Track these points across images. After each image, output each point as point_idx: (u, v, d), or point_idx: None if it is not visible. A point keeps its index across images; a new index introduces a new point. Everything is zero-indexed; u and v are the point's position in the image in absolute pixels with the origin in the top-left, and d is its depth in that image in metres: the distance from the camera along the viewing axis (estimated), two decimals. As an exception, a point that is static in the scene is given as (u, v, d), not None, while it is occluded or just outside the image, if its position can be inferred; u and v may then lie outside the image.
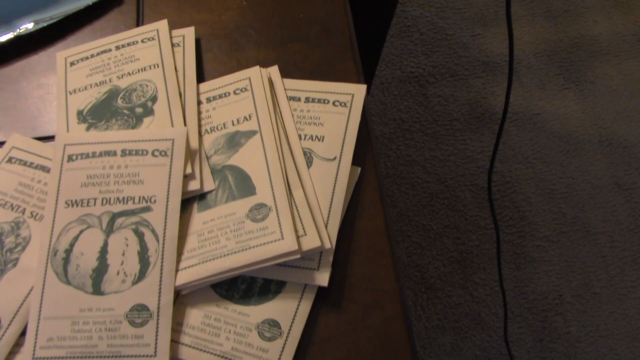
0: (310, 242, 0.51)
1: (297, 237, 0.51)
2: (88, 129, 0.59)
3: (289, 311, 0.51)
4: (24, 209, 0.55)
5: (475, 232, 1.64)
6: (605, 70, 1.88)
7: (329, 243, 0.52)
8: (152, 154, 0.55)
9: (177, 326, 0.50)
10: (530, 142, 1.77)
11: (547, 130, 1.79)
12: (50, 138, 0.60)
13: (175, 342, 0.50)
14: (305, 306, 0.51)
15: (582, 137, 1.78)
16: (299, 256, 0.50)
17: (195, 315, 0.51)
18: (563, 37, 1.94)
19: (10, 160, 0.57)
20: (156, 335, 0.49)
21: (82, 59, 0.63)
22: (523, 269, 1.61)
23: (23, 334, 0.50)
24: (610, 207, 1.68)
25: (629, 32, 1.95)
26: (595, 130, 1.79)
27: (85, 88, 0.61)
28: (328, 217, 0.54)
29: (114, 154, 0.55)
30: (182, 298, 0.52)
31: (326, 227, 0.53)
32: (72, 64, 0.63)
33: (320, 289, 0.52)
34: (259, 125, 0.57)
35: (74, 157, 0.55)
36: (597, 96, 1.84)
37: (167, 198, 0.53)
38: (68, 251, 0.52)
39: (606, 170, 1.73)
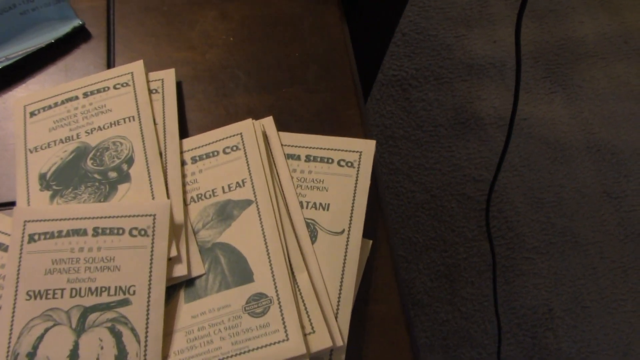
0: (320, 341, 0.43)
1: (304, 335, 0.44)
2: (52, 197, 0.50)
3: (296, 423, 0.43)
4: (-23, 299, 0.46)
5: (463, 244, 1.59)
6: (592, 73, 1.83)
7: (341, 340, 0.44)
8: (130, 233, 0.47)
9: None
10: (517, 148, 1.71)
11: (534, 137, 1.73)
12: (7, 205, 0.51)
13: None
14: (315, 416, 0.44)
15: (570, 144, 1.73)
16: (307, 360, 0.43)
17: None
18: (549, 38, 1.89)
19: (-41, 236, 0.49)
20: None
21: (44, 108, 0.54)
22: (512, 282, 1.56)
23: None
24: (599, 217, 1.64)
25: (615, 34, 1.90)
26: (583, 136, 1.74)
27: (49, 145, 0.53)
28: (338, 304, 0.46)
29: (84, 233, 0.47)
30: (169, 409, 0.44)
31: (336, 317, 0.46)
32: (32, 114, 0.54)
33: (331, 392, 0.45)
34: (254, 193, 0.49)
35: (36, 237, 0.47)
36: (585, 100, 1.79)
37: (149, 288, 0.45)
38: (31, 355, 0.44)
39: (595, 177, 1.69)
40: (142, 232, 0.47)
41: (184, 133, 0.55)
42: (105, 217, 0.47)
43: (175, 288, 0.47)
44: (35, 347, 0.44)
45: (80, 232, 0.47)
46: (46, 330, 0.44)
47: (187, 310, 0.46)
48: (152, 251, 0.46)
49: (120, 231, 0.47)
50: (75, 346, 0.44)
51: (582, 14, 1.93)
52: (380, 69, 1.44)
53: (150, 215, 0.47)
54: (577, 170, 1.69)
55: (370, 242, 0.50)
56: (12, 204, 0.51)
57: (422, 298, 1.53)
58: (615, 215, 1.65)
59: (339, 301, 0.46)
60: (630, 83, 1.83)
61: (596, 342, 1.51)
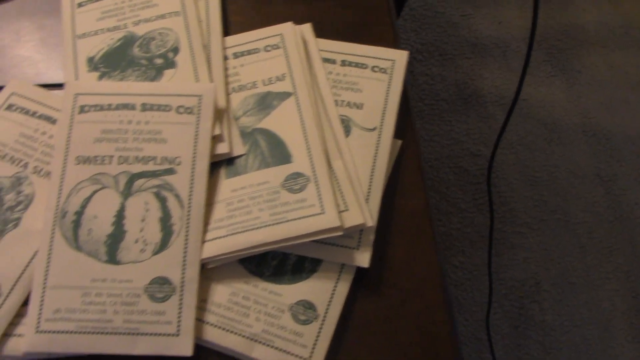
0: (353, 218, 0.46)
1: (339, 213, 0.46)
2: (100, 78, 0.52)
3: (325, 293, 0.46)
4: (27, 163, 0.49)
5: (456, 214, 1.62)
6: (592, 60, 1.87)
7: (371, 221, 0.47)
8: (177, 110, 0.49)
9: (201, 303, 0.45)
10: (515, 127, 1.75)
11: (532, 117, 1.77)
12: (54, 86, 0.54)
13: (199, 320, 0.45)
14: (343, 288, 0.47)
15: (567, 126, 1.77)
16: (340, 233, 0.45)
17: (221, 292, 0.46)
18: (553, 23, 1.92)
19: (10, 107, 0.51)
20: (179, 312, 0.44)
21: (91, 1, 0.57)
22: (502, 254, 1.60)
23: (25, 303, 0.45)
24: (590, 198, 1.68)
25: (617, 24, 1.95)
26: (579, 120, 1.78)
27: (96, 33, 0.55)
28: (368, 192, 0.49)
29: (133, 107, 0.49)
30: (207, 272, 0.46)
31: (367, 202, 0.49)
32: (80, 4, 0.57)
33: (358, 271, 0.48)
34: (293, 86, 0.52)
35: (86, 109, 0.49)
36: (583, 85, 1.83)
37: (194, 160, 0.48)
38: (79, 213, 0.46)
39: (588, 160, 1.73)
40: (188, 110, 0.49)
41: (224, 34, 0.57)
42: (154, 95, 0.50)
43: (217, 166, 0.49)
44: (83, 207, 0.46)
45: (129, 107, 0.49)
46: (94, 192, 0.47)
47: (228, 184, 0.48)
48: (197, 128, 0.49)
49: (168, 108, 0.49)
50: (122, 207, 0.46)
51: (587, 2, 1.97)
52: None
53: (196, 96, 0.50)
54: (571, 152, 1.74)
55: (400, 142, 0.53)
56: (59, 85, 0.54)
57: (414, 263, 1.56)
58: (605, 198, 1.69)
59: (369, 189, 0.49)
60: (628, 72, 1.87)
61: (579, 317, 1.55)
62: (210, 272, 0.46)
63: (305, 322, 0.45)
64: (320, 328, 0.45)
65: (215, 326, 0.45)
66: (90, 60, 0.53)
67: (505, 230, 1.63)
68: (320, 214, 0.46)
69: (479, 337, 1.51)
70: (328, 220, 0.45)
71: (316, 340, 0.45)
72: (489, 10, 1.92)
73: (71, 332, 0.43)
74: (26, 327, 0.43)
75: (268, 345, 0.44)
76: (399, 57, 0.55)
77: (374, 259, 0.49)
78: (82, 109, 0.49)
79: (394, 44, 0.58)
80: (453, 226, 1.61)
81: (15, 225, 0.46)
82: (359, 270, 0.48)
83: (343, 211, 0.47)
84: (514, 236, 1.62)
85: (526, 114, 1.77)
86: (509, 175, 1.69)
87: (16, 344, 0.44)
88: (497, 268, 1.58)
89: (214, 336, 0.44)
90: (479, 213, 1.64)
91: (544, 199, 1.67)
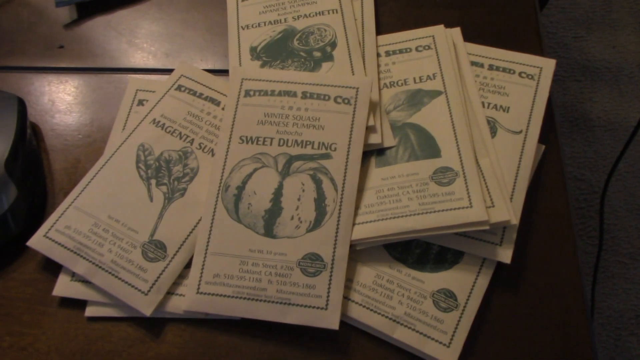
0: (499, 214, 0.48)
1: (486, 208, 0.48)
2: (262, 66, 0.56)
3: (466, 284, 0.48)
4: (192, 140, 0.53)
5: (556, 238, 1.59)
6: None
7: (515, 219, 0.49)
8: (335, 100, 0.52)
9: (347, 282, 0.48)
10: (623, 154, 1.70)
11: (642, 145, 1.72)
12: (219, 72, 0.58)
13: (345, 298, 0.47)
14: (483, 281, 0.48)
15: (680, 157, 1.70)
16: (487, 227, 0.47)
17: (367, 274, 0.48)
18: (670, 50, 1.86)
19: (179, 88, 0.55)
20: (328, 288, 0.46)
21: (254, -5, 0.61)
22: (601, 282, 1.55)
23: (187, 266, 0.49)
24: (701, 233, 1.61)
25: None
26: (694, 152, 1.71)
27: (259, 25, 0.59)
28: (512, 192, 0.50)
29: (294, 94, 0.53)
30: (354, 254, 0.49)
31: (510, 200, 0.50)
32: (243, -2, 0.61)
33: (497, 267, 0.49)
34: (444, 86, 0.54)
35: (251, 93, 0.53)
36: (700, 117, 1.76)
37: (349, 147, 0.50)
38: (240, 188, 0.50)
39: (701, 194, 1.66)
40: (346, 101, 0.52)
41: (377, 32, 0.60)
42: (314, 84, 0.53)
43: (368, 155, 0.52)
44: (244, 183, 0.50)
45: (290, 94, 0.53)
46: (255, 170, 0.50)
47: (378, 173, 0.51)
48: (353, 117, 0.51)
49: (326, 97, 0.52)
50: (280, 186, 0.49)
51: None
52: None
53: (353, 88, 0.53)
54: (683, 184, 1.67)
55: (543, 147, 0.54)
56: (224, 71, 0.58)
57: (509, 283, 1.54)
58: None
59: (513, 189, 0.50)
60: None
61: (681, 356, 1.48)
62: (357, 253, 0.49)
63: (446, 310, 0.47)
64: (460, 317, 0.46)
65: (360, 305, 0.47)
66: (253, 49, 0.57)
67: (606, 258, 1.58)
68: (468, 207, 0.47)
69: (571, 364, 1.47)
70: (476, 214, 0.47)
71: (456, 328, 0.46)
72: (602, 33, 1.88)
73: (228, 296, 0.46)
74: (187, 288, 0.47)
75: (410, 327, 0.46)
76: (547, 65, 0.57)
77: (513, 256, 0.50)
78: (247, 93, 0.53)
79: (540, 51, 0.59)
80: (551, 249, 1.58)
81: (182, 195, 0.51)
82: (498, 267, 0.49)
83: (489, 207, 0.48)
84: (615, 265, 1.57)
85: (637, 141, 1.72)
86: (614, 202, 1.64)
87: (177, 303, 0.47)
88: (595, 295, 1.54)
89: (358, 314, 0.47)
90: (579, 239, 1.60)
91: (649, 230, 1.62)
